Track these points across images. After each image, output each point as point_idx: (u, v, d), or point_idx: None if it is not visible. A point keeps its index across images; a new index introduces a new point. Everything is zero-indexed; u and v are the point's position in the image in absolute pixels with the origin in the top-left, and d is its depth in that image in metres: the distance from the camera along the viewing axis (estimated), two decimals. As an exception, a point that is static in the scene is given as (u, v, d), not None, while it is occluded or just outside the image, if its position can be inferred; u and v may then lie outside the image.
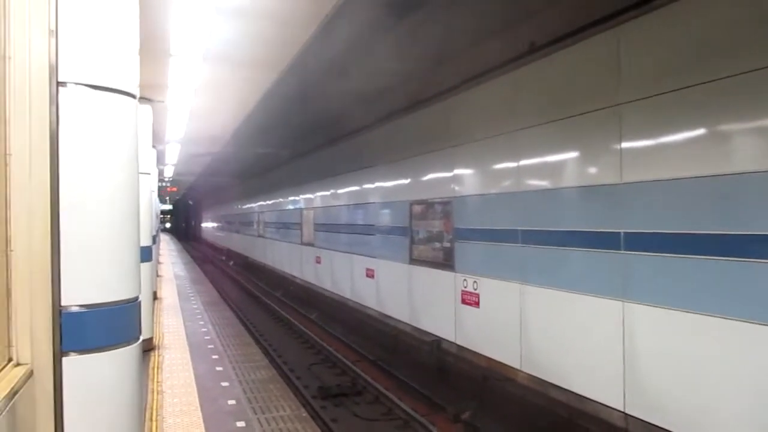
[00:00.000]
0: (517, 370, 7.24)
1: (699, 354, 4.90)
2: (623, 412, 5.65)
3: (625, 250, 5.64)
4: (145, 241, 8.18)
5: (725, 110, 4.76)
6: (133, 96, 3.12)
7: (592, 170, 6.17)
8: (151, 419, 5.65)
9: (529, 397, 7.02)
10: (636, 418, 5.50)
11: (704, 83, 4.87)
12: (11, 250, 2.72)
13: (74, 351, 2.81)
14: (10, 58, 2.74)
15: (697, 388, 4.91)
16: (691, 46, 5.08)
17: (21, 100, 2.75)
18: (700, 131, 4.98)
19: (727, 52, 4.75)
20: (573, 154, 6.45)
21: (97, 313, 2.87)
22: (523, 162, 7.17)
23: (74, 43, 2.84)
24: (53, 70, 2.79)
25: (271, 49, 6.86)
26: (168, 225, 73.66)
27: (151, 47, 6.40)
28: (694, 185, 4.94)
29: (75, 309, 2.82)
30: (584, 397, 6.15)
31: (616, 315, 5.72)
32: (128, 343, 3.02)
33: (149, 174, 9.06)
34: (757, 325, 4.40)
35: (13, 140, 2.73)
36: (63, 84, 2.82)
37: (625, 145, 5.65)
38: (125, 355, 2.99)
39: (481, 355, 8.06)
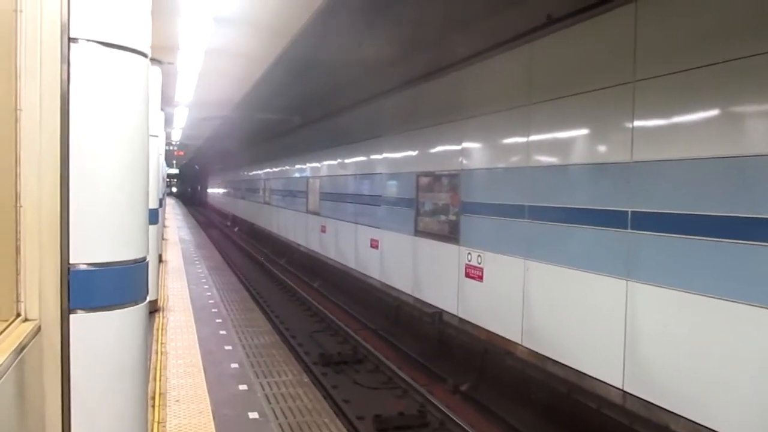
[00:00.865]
0: (518, 344, 7.28)
1: (702, 336, 4.92)
2: (621, 390, 5.69)
3: (631, 229, 5.62)
4: (153, 204, 8.19)
5: (741, 91, 4.69)
6: (145, 55, 3.08)
7: (602, 148, 6.12)
8: (155, 379, 5.73)
9: (529, 372, 7.08)
10: (634, 396, 5.54)
11: (722, 63, 4.79)
12: (20, 206, 2.72)
13: (82, 309, 2.82)
14: (21, 11, 2.70)
15: (699, 369, 4.93)
16: (709, 24, 4.99)
17: (32, 54, 2.71)
18: (715, 112, 4.91)
19: (748, 30, 4.66)
20: (584, 131, 6.39)
21: (105, 271, 2.88)
22: (533, 137, 7.11)
23: (86, -1, 2.80)
24: (65, 25, 2.74)
25: (283, 13, 6.78)
26: (174, 189, 73.43)
27: (162, 7, 6.32)
28: (706, 166, 4.89)
29: (83, 267, 2.82)
30: (583, 373, 6.20)
31: (620, 294, 5.73)
32: (135, 303, 3.03)
33: (157, 136, 9.02)
34: (762, 309, 4.40)
35: (23, 95, 2.70)
36: (74, 40, 2.77)
37: (637, 123, 5.59)
38: (132, 315, 3.00)
39: (482, 328, 8.10)
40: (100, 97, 2.87)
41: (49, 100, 2.74)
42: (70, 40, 2.77)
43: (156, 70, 8.81)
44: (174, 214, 35.00)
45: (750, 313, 4.49)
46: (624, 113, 5.72)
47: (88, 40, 2.81)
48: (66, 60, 2.76)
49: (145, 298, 3.15)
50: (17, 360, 2.46)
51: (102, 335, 2.91)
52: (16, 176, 2.70)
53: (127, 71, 2.97)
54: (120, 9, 2.92)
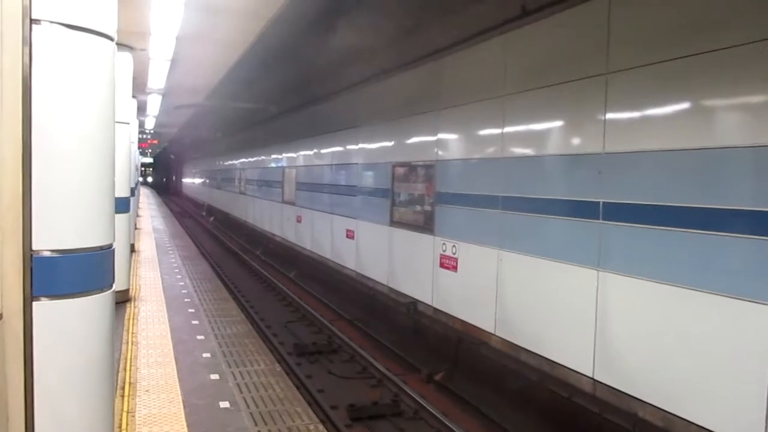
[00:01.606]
0: (491, 334, 7.34)
1: (671, 325, 4.99)
2: (592, 378, 5.77)
3: (603, 219, 5.68)
4: (122, 192, 8.07)
5: (712, 84, 4.75)
6: (111, 38, 3.02)
7: (575, 139, 6.17)
8: (126, 369, 5.67)
9: (502, 361, 7.15)
10: (604, 384, 5.62)
11: (692, 55, 4.84)
12: (-19, 191, 2.66)
13: (45, 296, 2.78)
14: (-19, -10, 2.63)
15: (668, 358, 5.01)
16: (680, 17, 5.04)
17: (-8, 36, 2.64)
18: (685, 104, 4.97)
19: (719, 24, 4.71)
20: (557, 123, 6.43)
21: (69, 258, 2.83)
22: (508, 128, 7.14)
23: (49, -21, 2.73)
24: (26, 6, 2.68)
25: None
26: (150, 179, 72.13)
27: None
28: (675, 158, 4.96)
29: (47, 254, 2.77)
30: (555, 362, 6.27)
31: (591, 284, 5.79)
32: (101, 290, 2.99)
33: (128, 123, 8.87)
34: (732, 299, 4.48)
35: (-17, 77, 2.64)
36: (37, 22, 2.71)
37: (609, 115, 5.64)
38: (97, 303, 2.96)
39: (456, 318, 8.15)
40: (64, 81, 2.81)
41: (11, 84, 2.68)
42: (32, 21, 2.70)
43: (127, 56, 8.66)
44: (148, 204, 34.55)
45: (718, 303, 4.57)
46: (597, 105, 5.76)
47: (51, 22, 2.75)
48: (28, 42, 2.70)
49: (111, 286, 3.11)
50: (-23, 348, 2.41)
51: (66, 323, 2.86)
52: (-24, 161, 2.64)
53: (92, 55, 2.91)
54: (84, -10, 2.86)
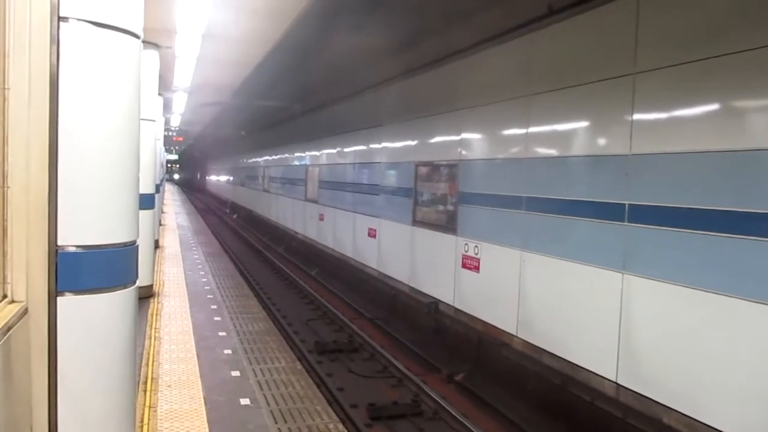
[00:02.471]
0: (513, 335, 7.28)
1: (698, 330, 4.90)
2: (615, 383, 5.69)
3: (628, 222, 5.59)
4: (147, 189, 8.15)
5: (742, 85, 4.64)
6: (137, 36, 3.04)
7: (601, 140, 6.08)
8: (148, 364, 5.72)
9: (523, 362, 7.08)
10: (628, 389, 5.54)
11: (723, 56, 4.74)
12: (8, 187, 2.69)
13: (69, 291, 2.80)
14: (10, -11, 2.66)
15: (694, 363, 4.91)
16: (709, 17, 4.94)
17: (21, 33, 2.67)
18: (714, 105, 4.87)
19: (752, 23, 4.61)
20: (583, 123, 6.35)
21: (93, 254, 2.85)
22: (532, 129, 7.07)
23: (77, -23, 2.75)
24: (55, 4, 2.71)
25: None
26: (176, 176, 72.67)
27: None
28: (704, 160, 4.86)
29: (71, 249, 2.80)
30: (577, 365, 6.19)
31: (615, 286, 5.71)
32: (124, 286, 3.01)
33: (154, 121, 8.96)
34: (760, 305, 4.37)
35: (12, 74, 2.67)
36: (64, 19, 2.74)
37: (636, 116, 5.55)
38: (121, 298, 2.98)
39: (477, 318, 8.09)
40: (90, 78, 2.83)
41: (38, 80, 2.71)
42: (59, 19, 2.73)
43: (153, 53, 8.75)
44: (173, 200, 34.94)
45: (749, 310, 4.46)
46: (623, 105, 5.68)
47: (79, 20, 2.78)
48: (55, 40, 2.73)
49: (135, 282, 3.13)
50: (2, 341, 2.44)
51: (90, 318, 2.89)
52: (4, 157, 2.68)
53: (119, 52, 2.93)
54: (111, -12, 2.88)
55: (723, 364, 4.67)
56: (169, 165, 54.97)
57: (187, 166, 72.24)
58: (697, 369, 4.87)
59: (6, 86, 2.65)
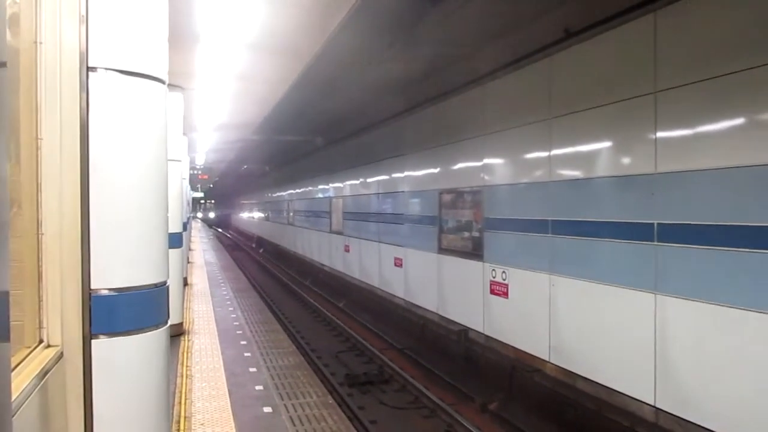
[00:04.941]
0: (546, 361, 7.16)
1: (737, 350, 4.78)
2: (654, 406, 5.55)
3: (658, 241, 5.51)
4: (175, 228, 8.27)
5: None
6: (163, 81, 3.13)
7: (625, 160, 6.04)
8: (180, 403, 5.74)
9: (558, 389, 6.95)
10: (667, 412, 5.40)
11: (749, 69, 4.70)
12: (42, 233, 2.76)
13: (103, 334, 2.85)
14: (41, 43, 2.76)
15: (735, 384, 4.79)
16: (729, 32, 4.92)
17: (52, 85, 2.77)
18: (740, 120, 4.82)
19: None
20: (606, 144, 6.32)
21: (125, 296, 2.90)
22: (555, 151, 7.05)
23: (104, 29, 2.85)
24: (83, 55, 2.80)
25: (300, 36, 6.85)
26: (211, 215, 72.80)
27: (182, 34, 6.44)
28: (733, 175, 4.79)
29: (104, 292, 2.85)
30: (613, 390, 6.06)
31: (648, 307, 5.61)
32: (156, 327, 3.04)
33: (180, 161, 9.13)
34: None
35: (44, 125, 2.76)
36: (93, 69, 2.83)
37: (660, 134, 5.51)
38: (153, 339, 3.02)
39: (509, 345, 7.99)
40: (118, 124, 2.91)
41: (69, 129, 2.80)
42: (88, 69, 2.82)
43: (178, 95, 8.96)
44: (199, 237, 35.32)
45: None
46: (646, 124, 5.65)
47: (107, 69, 2.87)
48: (85, 89, 2.81)
49: (167, 322, 3.16)
50: (40, 385, 2.49)
51: (124, 360, 2.92)
52: (38, 204, 2.75)
53: (146, 98, 3.01)
54: (137, 38, 2.97)
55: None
56: (203, 202, 55.56)
57: (213, 202, 73.12)
58: (742, 390, 4.73)
59: (39, 136, 2.74)
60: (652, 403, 5.57)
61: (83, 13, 2.80)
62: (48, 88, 2.77)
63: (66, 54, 2.79)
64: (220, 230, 55.62)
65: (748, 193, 4.69)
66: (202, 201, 69.68)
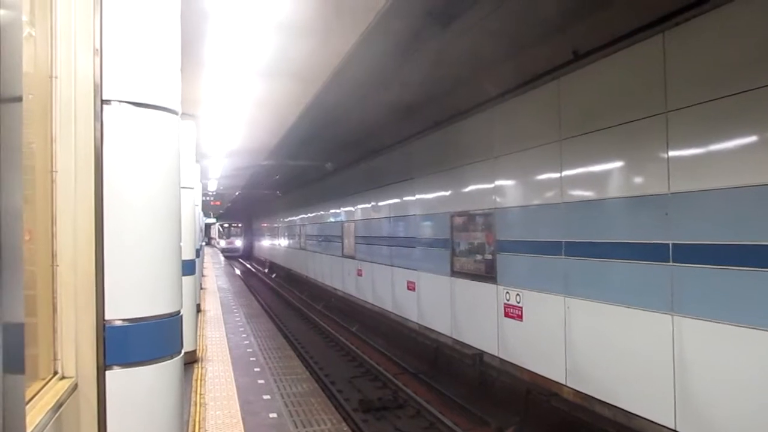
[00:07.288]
0: (562, 384, 7.07)
1: (758, 371, 4.69)
2: (674, 430, 5.44)
3: (673, 262, 5.46)
4: (188, 255, 8.30)
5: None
6: (176, 112, 3.16)
7: (638, 180, 6.01)
8: (194, 431, 5.70)
9: (575, 413, 6.84)
10: (688, 436, 5.29)
11: (759, 88, 4.69)
12: (57, 265, 2.78)
13: (117, 364, 2.84)
14: (56, 77, 2.81)
15: (757, 405, 4.69)
16: (738, 52, 4.91)
17: (67, 118, 2.81)
18: (754, 138, 4.79)
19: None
20: (617, 164, 6.29)
21: (139, 327, 2.90)
22: (566, 172, 7.04)
23: (118, 62, 2.89)
24: (98, 88, 2.84)
25: (312, 62, 6.90)
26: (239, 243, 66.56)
27: (194, 63, 6.53)
28: (752, 194, 4.75)
29: (118, 323, 2.85)
30: (632, 413, 5.96)
31: (665, 329, 5.54)
32: (170, 356, 3.04)
33: (192, 188, 9.20)
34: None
35: (59, 157, 2.79)
36: (107, 102, 2.87)
37: (672, 153, 5.49)
38: (167, 369, 3.01)
39: (524, 369, 7.90)
40: (132, 156, 2.94)
41: (84, 161, 2.82)
42: (102, 102, 2.86)
43: (190, 123, 9.06)
44: (212, 263, 35.40)
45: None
46: (658, 145, 5.63)
47: (120, 101, 2.90)
48: (99, 121, 2.85)
49: (180, 352, 3.16)
50: (55, 417, 2.48)
51: (138, 390, 2.91)
52: (53, 236, 2.77)
53: (159, 129, 3.05)
54: (151, 70, 3.01)
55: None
56: (222, 228, 55.43)
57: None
58: (766, 415, 4.64)
59: (54, 169, 2.77)
60: (672, 426, 5.47)
61: (98, 46, 2.84)
62: (63, 121, 2.80)
63: (80, 87, 2.84)
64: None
65: (765, 212, 4.65)
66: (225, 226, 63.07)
